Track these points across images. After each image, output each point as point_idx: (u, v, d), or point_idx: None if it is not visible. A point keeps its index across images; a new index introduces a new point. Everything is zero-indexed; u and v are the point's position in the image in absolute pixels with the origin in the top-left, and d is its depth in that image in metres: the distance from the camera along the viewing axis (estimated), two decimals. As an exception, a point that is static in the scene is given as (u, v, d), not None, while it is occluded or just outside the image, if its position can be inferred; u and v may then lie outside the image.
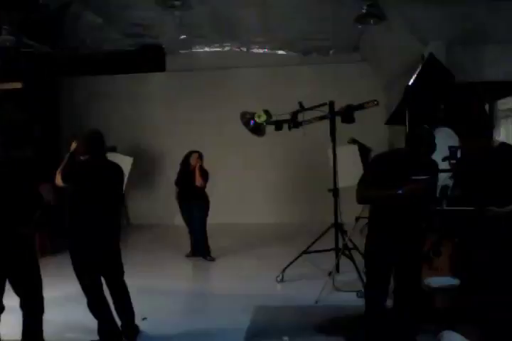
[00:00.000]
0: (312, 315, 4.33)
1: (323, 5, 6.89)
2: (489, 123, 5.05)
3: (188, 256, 6.72)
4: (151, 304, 4.73)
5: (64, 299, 4.72)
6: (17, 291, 3.43)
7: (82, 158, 3.77)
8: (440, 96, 4.73)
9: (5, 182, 3.33)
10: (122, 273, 3.89)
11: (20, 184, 3.40)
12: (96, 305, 3.67)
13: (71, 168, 3.71)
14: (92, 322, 3.75)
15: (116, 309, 3.80)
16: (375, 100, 5.32)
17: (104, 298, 3.73)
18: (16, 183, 3.37)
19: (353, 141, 8.02)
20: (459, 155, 4.65)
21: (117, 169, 3.87)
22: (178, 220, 6.91)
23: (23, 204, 3.37)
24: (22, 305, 3.46)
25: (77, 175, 3.67)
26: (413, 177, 3.08)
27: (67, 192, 3.70)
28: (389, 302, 4.38)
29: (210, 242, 6.73)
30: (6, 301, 3.42)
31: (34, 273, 3.49)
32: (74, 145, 3.85)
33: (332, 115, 5.34)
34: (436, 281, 4.23)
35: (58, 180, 3.68)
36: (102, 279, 3.77)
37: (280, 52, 9.32)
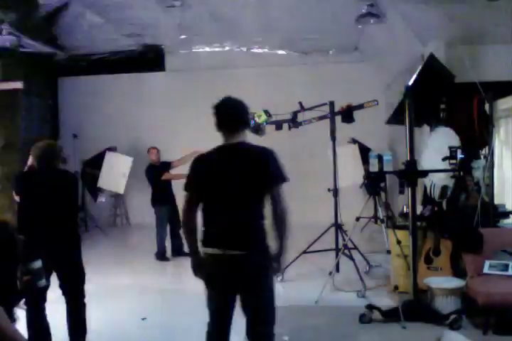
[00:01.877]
0: (312, 315, 4.33)
1: (323, 5, 6.89)
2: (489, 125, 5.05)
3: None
4: (150, 304, 4.73)
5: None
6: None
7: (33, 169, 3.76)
8: (440, 96, 4.73)
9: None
10: (82, 289, 3.65)
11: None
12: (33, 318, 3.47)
13: (21, 180, 3.71)
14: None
15: (68, 326, 3.59)
16: (375, 100, 5.33)
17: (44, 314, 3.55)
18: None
19: (353, 141, 8.03)
20: (459, 155, 4.65)
21: (69, 178, 3.75)
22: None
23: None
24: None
25: (25, 187, 3.63)
26: None
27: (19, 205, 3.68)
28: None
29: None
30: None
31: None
32: (30, 158, 3.78)
33: (332, 115, 5.34)
34: (435, 281, 4.24)
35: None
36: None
37: (280, 52, 9.32)
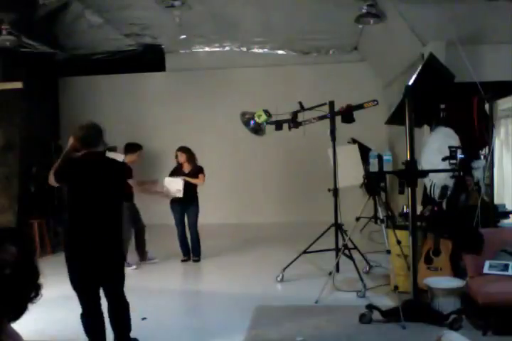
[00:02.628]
0: (312, 315, 4.33)
1: (323, 5, 6.90)
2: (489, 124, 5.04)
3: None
4: (150, 304, 4.74)
5: (64, 299, 4.71)
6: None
7: (78, 153, 3.55)
8: (440, 96, 4.73)
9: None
10: (123, 283, 3.62)
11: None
12: (89, 319, 3.48)
13: (64, 166, 3.50)
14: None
15: (110, 321, 3.57)
16: (375, 100, 5.33)
17: (101, 312, 3.53)
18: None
19: (353, 141, 8.03)
20: (459, 155, 4.65)
21: (118, 165, 3.73)
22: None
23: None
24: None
25: (71, 173, 3.46)
26: None
27: (66, 192, 3.56)
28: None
29: (211, 242, 6.72)
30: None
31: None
32: (71, 140, 3.56)
33: (332, 115, 5.34)
34: (435, 281, 4.23)
35: (51, 180, 3.48)
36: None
37: (280, 52, 9.32)
